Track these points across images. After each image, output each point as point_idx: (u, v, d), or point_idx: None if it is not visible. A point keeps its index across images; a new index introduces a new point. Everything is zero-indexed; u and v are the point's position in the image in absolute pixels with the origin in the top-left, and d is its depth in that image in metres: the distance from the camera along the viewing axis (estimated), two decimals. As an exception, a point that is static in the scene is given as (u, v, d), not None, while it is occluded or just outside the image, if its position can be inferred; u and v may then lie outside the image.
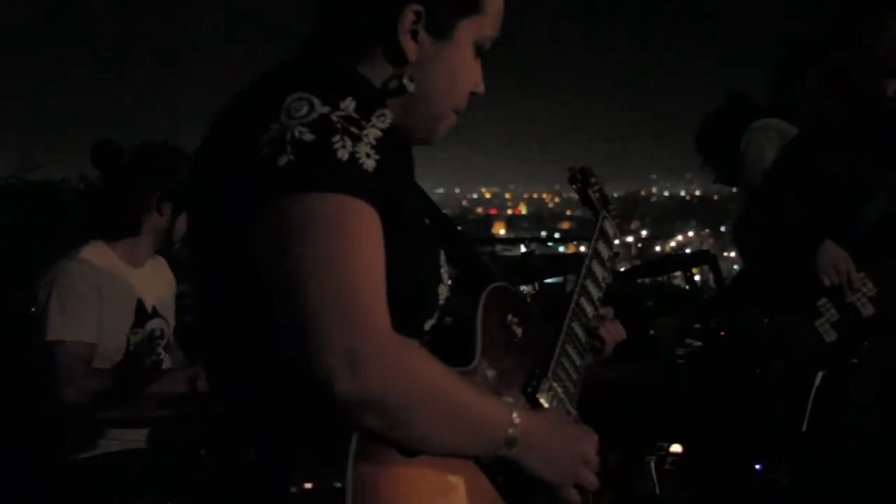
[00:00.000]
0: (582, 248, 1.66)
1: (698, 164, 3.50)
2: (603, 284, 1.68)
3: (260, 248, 1.10)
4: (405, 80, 1.27)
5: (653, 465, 3.16)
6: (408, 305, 1.19)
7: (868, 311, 2.67)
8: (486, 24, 1.32)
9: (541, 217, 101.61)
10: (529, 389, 1.40)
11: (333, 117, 1.12)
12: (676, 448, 3.45)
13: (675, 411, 3.62)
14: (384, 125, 1.17)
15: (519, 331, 1.39)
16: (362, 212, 1.10)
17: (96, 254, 2.53)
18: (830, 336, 2.67)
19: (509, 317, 1.38)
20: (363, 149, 1.12)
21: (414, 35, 1.26)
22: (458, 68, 1.31)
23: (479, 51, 1.34)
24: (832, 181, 2.70)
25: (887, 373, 2.65)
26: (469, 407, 1.16)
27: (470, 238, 1.56)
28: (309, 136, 1.10)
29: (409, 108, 1.30)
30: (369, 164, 1.12)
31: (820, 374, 2.62)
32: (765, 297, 2.79)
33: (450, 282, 1.30)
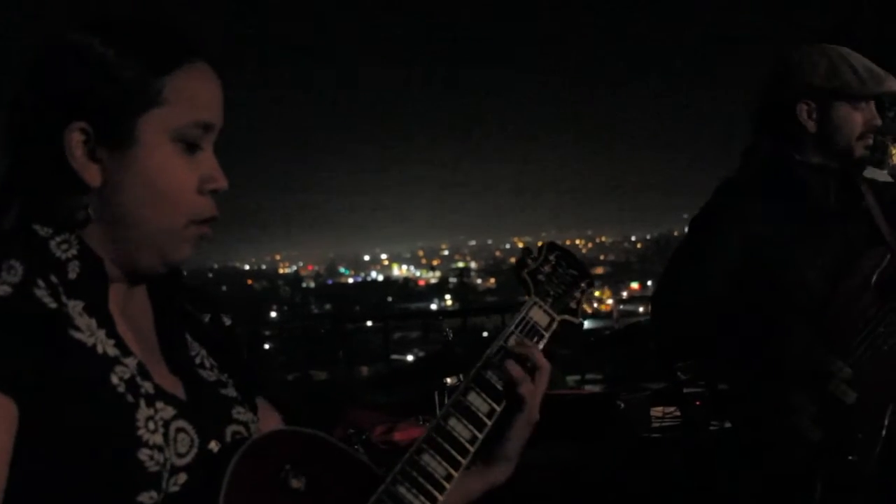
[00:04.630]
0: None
1: None
2: (504, 391, 1.35)
3: None
4: (90, 211, 1.12)
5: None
6: (96, 481, 1.05)
7: (850, 397, 2.32)
8: (177, 113, 1.14)
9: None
10: None
11: None
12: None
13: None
14: (15, 279, 1.04)
15: (297, 483, 1.15)
16: None
17: None
18: (815, 434, 2.32)
19: (286, 467, 1.15)
20: None
21: (91, 155, 1.11)
22: (157, 173, 1.13)
23: (190, 143, 1.15)
24: (758, 255, 2.44)
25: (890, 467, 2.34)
26: None
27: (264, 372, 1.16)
28: None
29: (119, 237, 1.14)
30: None
31: (820, 478, 2.28)
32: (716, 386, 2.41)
33: (181, 442, 1.12)
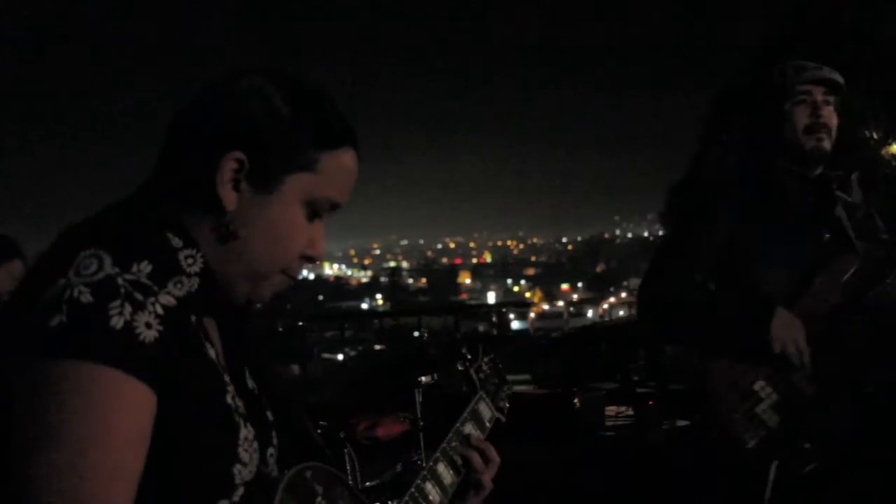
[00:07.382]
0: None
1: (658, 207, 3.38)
2: (463, 468, 1.61)
3: (15, 409, 1.02)
4: (231, 227, 1.19)
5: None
6: (193, 484, 1.12)
7: (811, 390, 2.42)
8: (321, 185, 1.22)
9: (506, 264, 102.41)
10: None
11: (120, 280, 1.05)
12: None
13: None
14: (180, 293, 1.10)
15: None
16: (123, 387, 1.03)
17: None
18: (773, 420, 2.43)
19: (318, 500, 1.24)
20: (144, 318, 1.05)
21: (236, 185, 1.18)
22: (281, 225, 1.20)
23: (315, 212, 1.23)
24: (729, 245, 2.54)
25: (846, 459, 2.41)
26: None
27: (301, 409, 1.59)
28: (87, 298, 1.03)
29: (229, 261, 1.21)
30: (148, 335, 1.05)
31: (774, 465, 2.39)
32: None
33: (254, 461, 1.20)
